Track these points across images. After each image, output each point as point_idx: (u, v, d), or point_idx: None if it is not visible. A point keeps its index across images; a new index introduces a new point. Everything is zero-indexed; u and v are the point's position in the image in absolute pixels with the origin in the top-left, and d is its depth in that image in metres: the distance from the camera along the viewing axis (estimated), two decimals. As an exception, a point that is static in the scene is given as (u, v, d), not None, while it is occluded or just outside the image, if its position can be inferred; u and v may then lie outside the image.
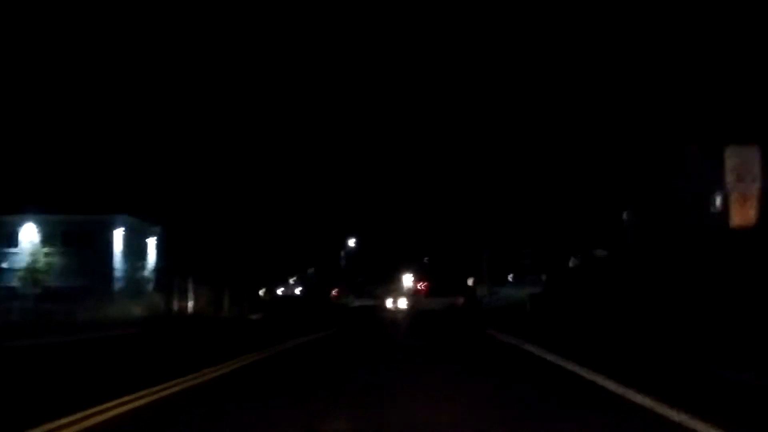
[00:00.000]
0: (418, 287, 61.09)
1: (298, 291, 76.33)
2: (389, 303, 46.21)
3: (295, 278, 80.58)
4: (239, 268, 39.98)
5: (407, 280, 68.77)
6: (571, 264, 32.69)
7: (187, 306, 30.00)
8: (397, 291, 50.83)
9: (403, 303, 44.14)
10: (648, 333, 13.48)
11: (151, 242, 37.78)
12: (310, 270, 74.44)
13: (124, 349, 13.39)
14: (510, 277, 66.68)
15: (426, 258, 73.77)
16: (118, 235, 34.60)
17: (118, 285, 33.68)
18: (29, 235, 33.65)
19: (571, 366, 8.40)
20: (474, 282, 49.01)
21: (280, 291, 74.52)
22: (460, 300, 39.01)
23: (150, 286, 34.29)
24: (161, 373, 7.66)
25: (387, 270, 73.47)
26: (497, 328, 17.70)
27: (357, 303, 62.02)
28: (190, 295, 30.25)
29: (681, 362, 9.02)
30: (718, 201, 32.82)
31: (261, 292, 65.17)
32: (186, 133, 40.46)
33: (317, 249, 68.49)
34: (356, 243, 74.55)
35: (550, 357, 9.73)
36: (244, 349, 10.96)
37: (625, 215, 35.77)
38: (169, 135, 40.32)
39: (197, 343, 14.77)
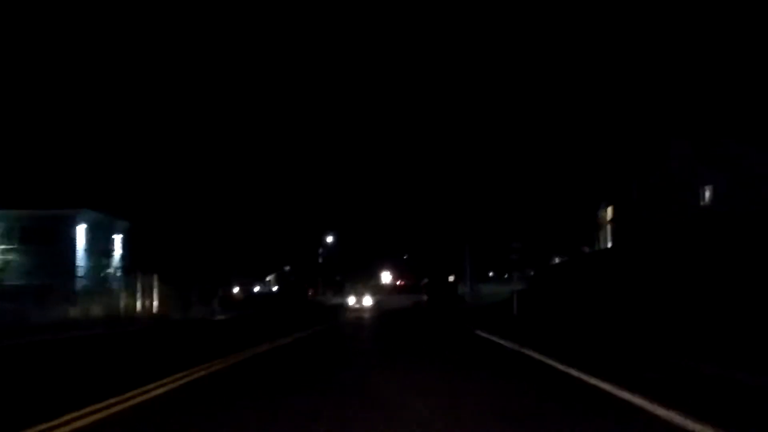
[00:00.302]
0: (397, 284, 60.07)
1: (275, 289, 74.84)
2: (351, 301, 43.27)
3: (272, 276, 78.94)
4: (209, 266, 38.27)
5: (385, 277, 67.62)
6: (557, 260, 31.73)
7: (152, 306, 28.26)
8: (367, 288, 48.34)
9: (368, 301, 41.67)
10: (643, 332, 12.37)
11: (119, 239, 35.92)
12: (287, 267, 72.82)
13: (67, 356, 11.85)
14: (491, 274, 65.98)
15: (405, 255, 72.68)
16: (81, 231, 32.72)
17: (81, 284, 31.85)
18: (-15, 231, 31.66)
19: (575, 373, 7.20)
20: (455, 279, 47.99)
21: (257, 289, 73.06)
22: (424, 297, 38.88)
23: (116, 285, 32.44)
24: (91, 390, 6.47)
25: (366, 267, 72.29)
26: (486, 328, 16.41)
27: (335, 301, 60.59)
28: (155, 294, 28.50)
29: (676, 364, 7.99)
30: (708, 194, 31.96)
31: (236, 290, 63.74)
32: (154, 125, 38.75)
33: (294, 246, 67.18)
34: (335, 239, 73.25)
35: (549, 361, 8.49)
36: (196, 359, 9.47)
37: (599, 212, 34.97)
38: (135, 126, 38.58)
39: (148, 350, 13.24)
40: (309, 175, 62.73)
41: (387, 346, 12.46)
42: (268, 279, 79.03)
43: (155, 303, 28.46)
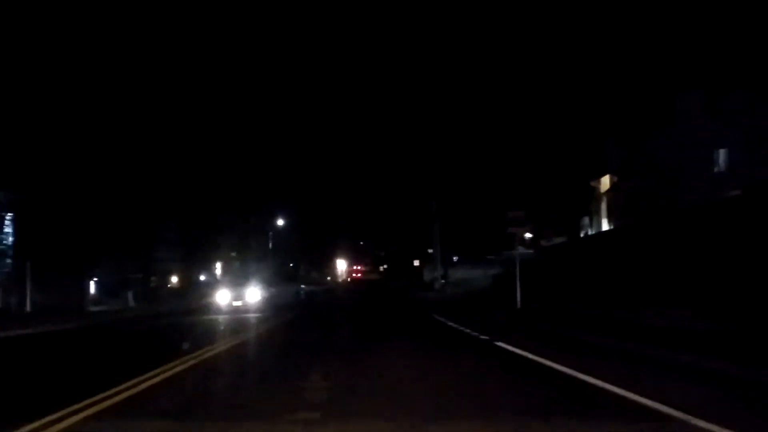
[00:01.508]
0: (354, 270, 54.90)
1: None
2: (224, 299, 28.08)
3: (220, 264, 72.64)
4: (126, 250, 31.54)
5: (341, 264, 62.27)
6: (555, 240, 26.81)
7: (25, 302, 21.85)
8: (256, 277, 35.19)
9: (255, 296, 29.02)
10: None
11: (11, 218, 29.11)
12: (233, 253, 66.61)
13: None
14: (455, 259, 61.21)
15: (361, 242, 67.84)
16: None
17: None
18: None
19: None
20: (420, 263, 42.95)
21: (203, 277, 67.20)
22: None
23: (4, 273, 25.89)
24: None
25: (321, 253, 67.04)
26: (503, 335, 10.82)
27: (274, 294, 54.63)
28: (28, 287, 22.05)
29: None
30: (722, 158, 27.04)
31: (174, 279, 57.80)
32: (54, 80, 31.84)
33: (242, 229, 61.37)
34: (288, 223, 67.59)
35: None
36: None
37: (592, 182, 30.28)
38: (35, 83, 31.68)
39: None
40: (257, 149, 56.28)
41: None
42: (215, 267, 72.59)
43: (28, 299, 21.95)
